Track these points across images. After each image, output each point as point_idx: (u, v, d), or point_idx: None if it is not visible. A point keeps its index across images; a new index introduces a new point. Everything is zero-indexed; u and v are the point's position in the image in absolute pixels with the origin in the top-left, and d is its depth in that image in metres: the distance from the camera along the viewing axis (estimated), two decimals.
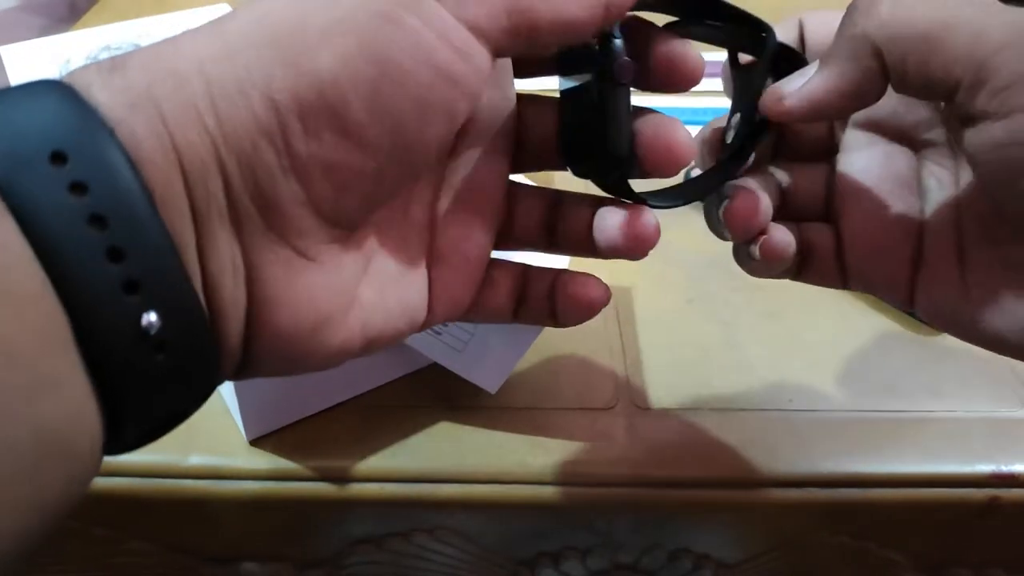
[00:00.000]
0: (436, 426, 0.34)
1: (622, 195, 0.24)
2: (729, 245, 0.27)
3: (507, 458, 0.32)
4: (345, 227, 0.20)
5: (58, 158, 0.16)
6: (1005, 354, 0.24)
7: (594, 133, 0.23)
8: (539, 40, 0.20)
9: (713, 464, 0.32)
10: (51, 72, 0.33)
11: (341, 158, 0.19)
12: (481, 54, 0.19)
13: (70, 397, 0.16)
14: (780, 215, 0.26)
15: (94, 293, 0.16)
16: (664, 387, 0.36)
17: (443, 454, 0.33)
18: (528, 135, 0.25)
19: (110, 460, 0.18)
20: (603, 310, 0.26)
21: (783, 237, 0.25)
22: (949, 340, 0.38)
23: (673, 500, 0.32)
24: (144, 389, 0.17)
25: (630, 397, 0.35)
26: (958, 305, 0.24)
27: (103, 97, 0.17)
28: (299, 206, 0.19)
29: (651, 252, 0.24)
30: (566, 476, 0.32)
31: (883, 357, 0.37)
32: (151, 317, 0.16)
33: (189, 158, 0.17)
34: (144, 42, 0.35)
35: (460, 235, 0.24)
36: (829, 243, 0.27)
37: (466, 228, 0.24)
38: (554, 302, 0.26)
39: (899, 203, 0.26)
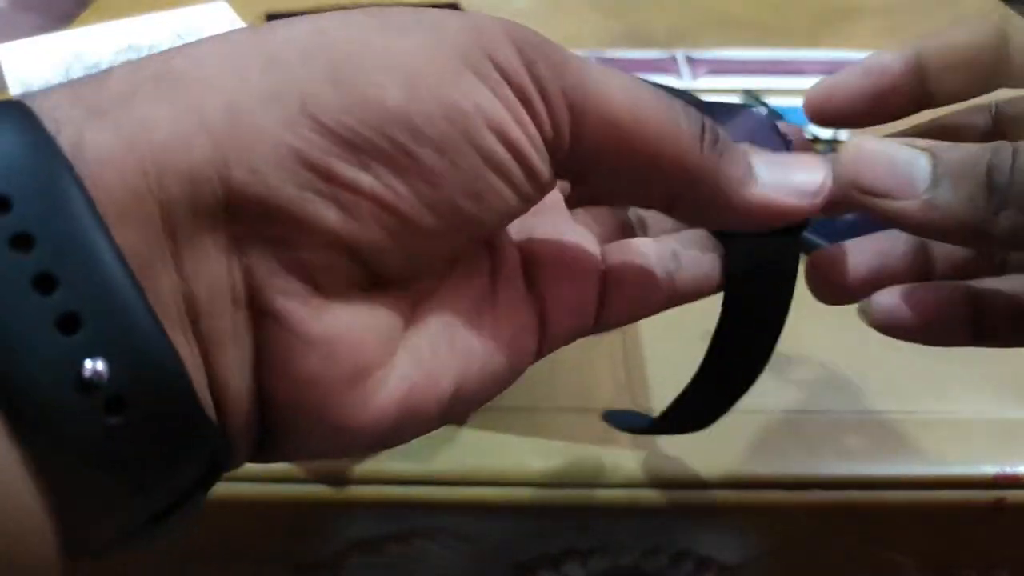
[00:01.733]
0: None
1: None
2: None
3: (507, 460, 0.32)
4: (375, 279, 0.16)
5: None
6: None
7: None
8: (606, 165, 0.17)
9: (715, 465, 0.32)
10: (47, 70, 0.32)
11: (396, 201, 0.15)
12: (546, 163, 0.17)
13: None
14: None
15: (17, 332, 0.12)
16: (665, 387, 0.35)
17: (442, 456, 0.32)
18: None
19: None
20: None
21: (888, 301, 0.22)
22: None
23: (675, 502, 0.32)
24: (100, 464, 0.13)
25: (631, 398, 0.35)
26: None
27: (61, 110, 0.14)
28: (329, 234, 0.15)
29: None
30: (567, 478, 0.32)
31: (886, 358, 0.37)
32: (97, 365, 0.13)
33: (172, 157, 0.14)
34: (144, 41, 0.35)
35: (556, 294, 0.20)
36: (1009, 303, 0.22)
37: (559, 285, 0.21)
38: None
39: None
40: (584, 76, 0.16)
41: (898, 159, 0.19)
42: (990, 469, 0.32)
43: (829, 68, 0.61)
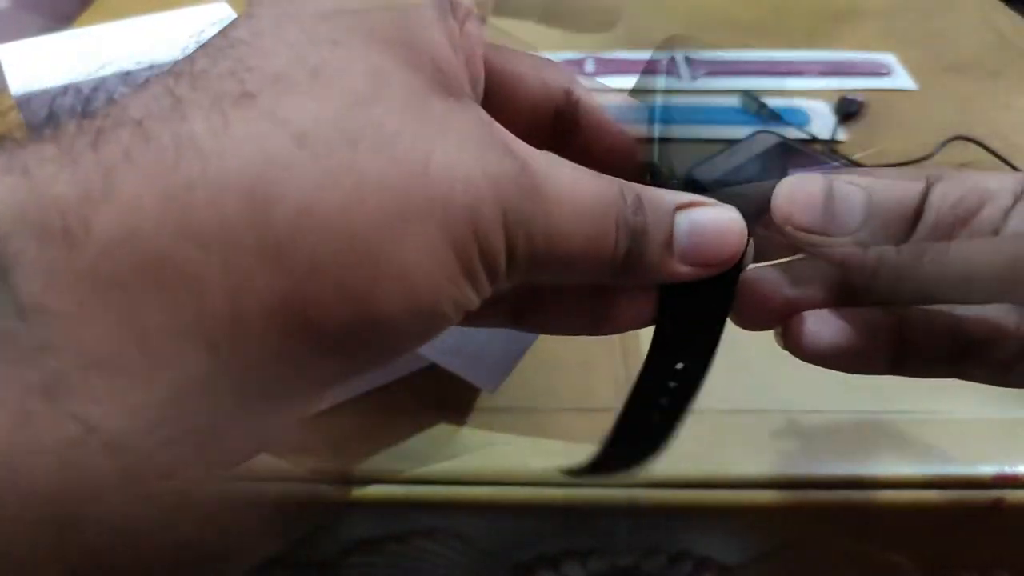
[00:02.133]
0: (435, 427, 0.33)
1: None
2: None
3: (507, 459, 0.32)
4: None
5: None
6: None
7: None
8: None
9: (714, 465, 0.32)
10: (48, 71, 0.32)
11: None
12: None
13: None
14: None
15: None
16: None
17: (442, 455, 0.32)
18: None
19: None
20: None
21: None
22: None
23: (674, 502, 0.32)
24: None
25: None
26: None
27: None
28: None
29: None
30: (566, 478, 0.32)
31: None
32: None
33: None
34: (145, 47, 0.35)
35: None
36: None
37: None
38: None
39: None
40: (553, 228, 0.17)
41: (832, 195, 0.19)
42: (989, 469, 0.32)
43: (828, 69, 0.61)
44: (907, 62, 0.62)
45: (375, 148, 0.15)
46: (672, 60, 0.62)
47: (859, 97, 0.56)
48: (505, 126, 0.19)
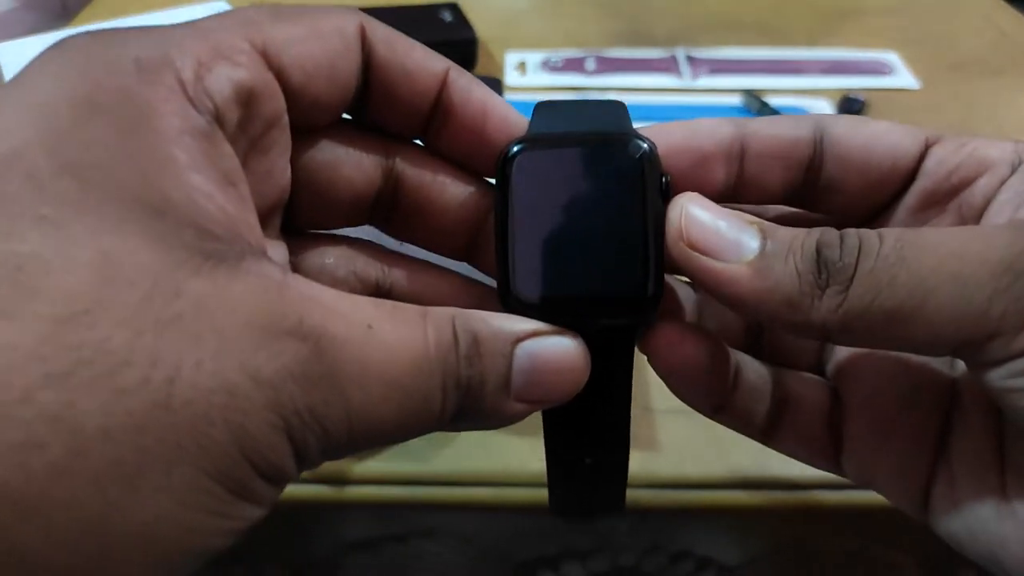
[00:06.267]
0: None
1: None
2: None
3: (506, 460, 0.32)
4: None
5: None
6: None
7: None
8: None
9: (715, 465, 0.32)
10: None
11: None
12: None
13: None
14: (751, 351, 0.21)
15: None
16: (665, 387, 0.35)
17: (441, 456, 0.32)
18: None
19: None
20: None
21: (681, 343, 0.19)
22: None
23: (674, 502, 0.32)
24: None
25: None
26: (993, 521, 0.18)
27: None
28: None
29: None
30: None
31: None
32: None
33: None
34: None
35: None
36: (819, 401, 0.20)
37: None
38: None
39: (925, 360, 0.19)
40: (356, 413, 0.15)
41: (727, 221, 0.17)
42: None
43: (829, 68, 0.61)
44: (909, 60, 0.62)
45: (95, 383, 0.11)
46: (674, 58, 0.62)
47: (861, 96, 0.56)
48: (382, 114, 0.18)
